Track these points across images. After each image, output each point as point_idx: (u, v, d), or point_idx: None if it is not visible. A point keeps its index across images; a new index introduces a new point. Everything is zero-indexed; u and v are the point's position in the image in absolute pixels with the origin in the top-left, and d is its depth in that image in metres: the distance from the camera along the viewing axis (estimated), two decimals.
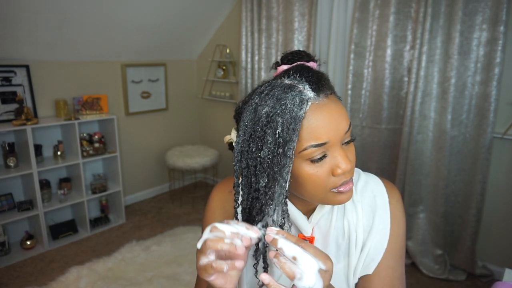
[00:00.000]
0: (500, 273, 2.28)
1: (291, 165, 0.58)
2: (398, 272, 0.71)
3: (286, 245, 0.54)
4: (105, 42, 2.92)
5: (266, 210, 0.61)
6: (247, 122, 0.60)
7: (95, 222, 3.02)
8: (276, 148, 0.57)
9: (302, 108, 0.56)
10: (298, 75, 0.61)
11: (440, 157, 2.30)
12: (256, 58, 3.16)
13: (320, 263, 0.53)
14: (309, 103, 0.57)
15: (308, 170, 0.59)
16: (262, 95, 0.60)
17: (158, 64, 3.50)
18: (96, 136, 2.94)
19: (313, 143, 0.57)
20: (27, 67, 2.60)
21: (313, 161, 0.59)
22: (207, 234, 0.56)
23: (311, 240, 0.72)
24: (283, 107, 0.56)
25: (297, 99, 0.57)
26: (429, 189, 2.42)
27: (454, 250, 2.42)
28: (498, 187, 2.25)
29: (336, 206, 0.71)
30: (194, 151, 3.53)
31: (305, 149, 0.58)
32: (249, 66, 3.23)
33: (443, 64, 2.23)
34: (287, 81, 0.61)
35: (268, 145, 0.57)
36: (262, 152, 0.58)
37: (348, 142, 0.62)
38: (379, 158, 2.61)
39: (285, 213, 0.62)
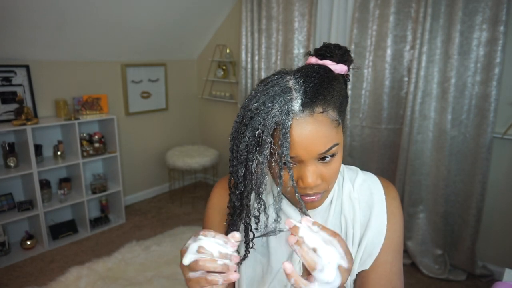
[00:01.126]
0: (500, 273, 2.28)
1: (265, 163, 0.59)
2: (395, 267, 0.71)
3: (307, 234, 0.52)
4: (105, 42, 2.92)
5: (253, 205, 0.61)
6: (241, 108, 0.61)
7: (95, 222, 3.02)
8: (253, 147, 0.57)
9: (288, 118, 0.56)
10: (302, 80, 0.59)
11: (440, 157, 2.30)
12: (256, 58, 3.16)
13: (342, 260, 0.52)
14: (291, 115, 0.57)
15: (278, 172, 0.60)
16: (265, 86, 0.60)
17: (158, 64, 3.50)
18: (96, 136, 2.94)
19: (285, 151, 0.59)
20: (27, 67, 2.60)
21: (280, 164, 0.60)
22: (193, 253, 0.54)
23: None
24: (269, 109, 0.56)
25: (285, 107, 0.57)
26: (429, 189, 2.42)
27: (454, 250, 2.42)
28: (498, 187, 2.25)
29: (333, 203, 0.73)
30: (194, 151, 3.53)
31: (279, 154, 0.59)
32: (249, 66, 3.23)
33: (443, 64, 2.23)
34: (291, 82, 0.59)
35: (246, 140, 0.58)
36: (240, 145, 0.58)
37: (326, 159, 0.61)
38: (379, 158, 2.61)
39: (278, 210, 0.63)
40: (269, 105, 0.56)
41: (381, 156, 2.60)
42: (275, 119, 0.56)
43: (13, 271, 2.44)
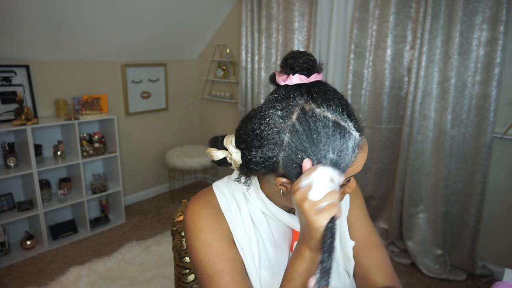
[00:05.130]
0: (500, 273, 2.28)
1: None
2: (370, 227, 0.82)
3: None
4: (105, 42, 2.92)
5: None
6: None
7: (95, 222, 3.02)
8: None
9: (353, 155, 0.59)
10: (340, 109, 0.59)
11: (440, 157, 2.30)
12: (256, 58, 3.16)
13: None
14: (357, 147, 0.59)
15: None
16: (312, 135, 0.56)
17: (158, 64, 3.50)
18: (96, 136, 2.93)
19: (350, 176, 0.64)
20: (27, 67, 2.60)
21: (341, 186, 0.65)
22: (325, 185, 0.54)
23: None
24: (344, 158, 0.57)
25: (354, 149, 0.58)
26: (429, 189, 2.41)
27: (454, 250, 2.42)
28: (498, 187, 2.25)
29: None
30: (194, 151, 3.53)
31: (345, 183, 0.65)
32: (249, 66, 3.23)
33: (443, 64, 2.23)
34: (330, 115, 0.57)
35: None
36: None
37: None
38: (379, 158, 2.61)
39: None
40: (344, 154, 0.57)
41: (381, 156, 2.60)
42: (346, 163, 0.59)
43: (13, 271, 2.44)
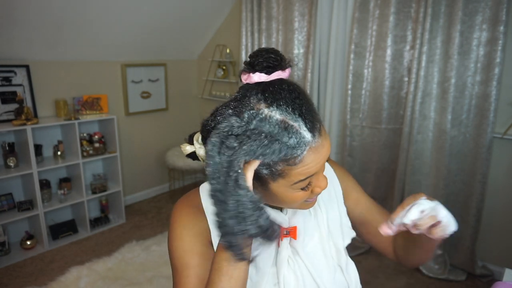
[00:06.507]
0: (500, 273, 2.28)
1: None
2: (366, 196, 0.88)
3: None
4: (105, 42, 2.92)
5: None
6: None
7: (95, 222, 3.02)
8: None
9: (300, 155, 0.56)
10: (290, 108, 0.56)
11: (440, 157, 2.30)
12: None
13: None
14: (307, 147, 0.56)
15: (295, 194, 0.63)
16: (252, 133, 0.54)
17: (158, 64, 3.50)
18: (96, 136, 2.93)
19: (304, 177, 0.60)
20: (27, 67, 2.60)
21: (303, 188, 0.62)
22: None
23: (293, 230, 0.73)
24: (278, 153, 0.54)
25: (296, 149, 0.55)
26: (429, 189, 2.41)
27: (454, 250, 2.42)
28: (498, 187, 2.25)
29: None
30: None
31: (296, 182, 0.60)
32: None
33: (443, 64, 2.23)
34: (278, 116, 0.55)
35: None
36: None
37: None
38: (379, 158, 2.61)
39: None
40: (278, 148, 0.54)
41: (381, 156, 2.60)
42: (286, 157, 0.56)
43: (13, 271, 2.44)
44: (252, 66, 0.62)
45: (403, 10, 2.31)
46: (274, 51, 0.63)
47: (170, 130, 3.76)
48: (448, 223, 0.60)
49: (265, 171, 0.58)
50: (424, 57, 2.23)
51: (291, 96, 0.58)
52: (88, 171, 3.08)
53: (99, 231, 3.00)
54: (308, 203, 0.68)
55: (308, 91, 2.81)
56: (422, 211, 0.60)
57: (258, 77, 0.61)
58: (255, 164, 0.56)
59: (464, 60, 2.15)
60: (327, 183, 0.65)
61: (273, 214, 0.73)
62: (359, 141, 2.66)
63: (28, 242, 2.66)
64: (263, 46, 3.08)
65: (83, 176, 2.83)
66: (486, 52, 2.07)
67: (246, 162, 0.55)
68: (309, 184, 0.62)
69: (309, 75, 2.77)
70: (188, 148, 0.72)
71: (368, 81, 2.53)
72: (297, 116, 0.56)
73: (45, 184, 2.73)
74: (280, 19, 2.93)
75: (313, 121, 0.57)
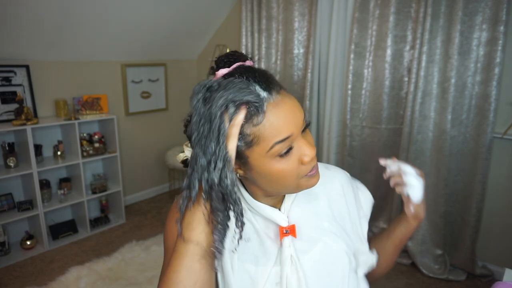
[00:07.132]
0: (500, 273, 2.28)
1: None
2: None
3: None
4: (105, 42, 2.92)
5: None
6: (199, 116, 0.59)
7: (95, 222, 3.02)
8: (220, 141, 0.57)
9: (260, 111, 0.58)
10: (244, 77, 0.60)
11: (440, 157, 2.30)
12: (256, 58, 3.16)
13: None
14: (265, 103, 0.59)
15: (279, 166, 0.62)
16: (217, 94, 0.57)
17: (158, 64, 3.50)
18: (96, 136, 2.94)
19: (277, 139, 0.59)
20: (27, 67, 2.60)
21: (281, 155, 0.61)
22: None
23: (292, 229, 0.72)
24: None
25: (256, 103, 0.58)
26: (429, 189, 2.41)
27: (454, 250, 2.42)
28: (498, 187, 2.25)
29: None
30: None
31: (271, 147, 0.60)
32: None
33: (443, 64, 2.23)
34: (235, 80, 0.59)
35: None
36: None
37: (304, 129, 0.65)
38: (379, 158, 2.61)
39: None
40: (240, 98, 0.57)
41: (381, 156, 2.58)
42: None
43: (13, 271, 2.44)
44: (217, 66, 0.67)
45: (403, 10, 2.31)
46: (235, 51, 0.68)
47: (170, 130, 3.76)
48: (412, 189, 0.86)
49: (239, 143, 0.60)
50: (424, 57, 2.23)
51: (246, 69, 0.62)
52: (88, 171, 3.08)
53: (99, 231, 3.00)
54: (307, 178, 0.66)
55: (308, 91, 2.81)
56: (410, 172, 0.87)
57: (222, 72, 0.65)
58: (235, 130, 0.57)
59: (464, 60, 2.15)
60: (313, 149, 0.63)
61: (271, 213, 0.72)
62: (359, 141, 2.66)
63: (28, 242, 2.66)
64: (263, 46, 3.09)
65: (83, 176, 2.83)
66: (486, 52, 2.07)
67: (224, 111, 0.56)
68: (290, 149, 0.61)
69: (309, 75, 2.77)
70: (181, 155, 0.72)
71: (368, 81, 2.53)
72: (251, 81, 0.59)
73: (45, 184, 2.73)
74: (280, 19, 2.93)
75: (267, 83, 0.60)
